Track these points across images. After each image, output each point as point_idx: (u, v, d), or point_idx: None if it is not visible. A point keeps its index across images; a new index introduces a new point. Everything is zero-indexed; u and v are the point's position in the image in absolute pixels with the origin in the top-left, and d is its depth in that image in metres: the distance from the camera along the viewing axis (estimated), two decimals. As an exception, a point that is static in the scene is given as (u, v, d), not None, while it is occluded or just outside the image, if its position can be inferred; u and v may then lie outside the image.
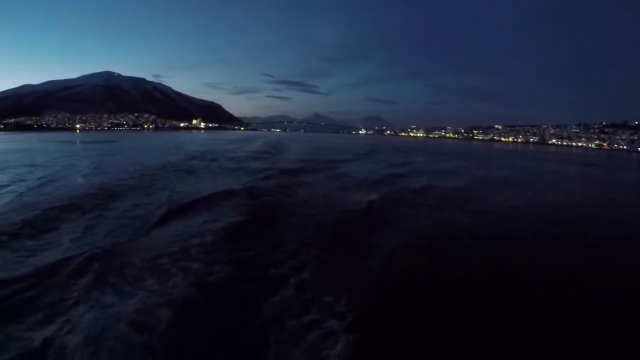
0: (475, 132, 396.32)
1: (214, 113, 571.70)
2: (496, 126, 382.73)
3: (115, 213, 18.54)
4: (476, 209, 23.14)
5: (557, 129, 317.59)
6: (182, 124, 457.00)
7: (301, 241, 14.65)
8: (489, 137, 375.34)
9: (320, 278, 11.24)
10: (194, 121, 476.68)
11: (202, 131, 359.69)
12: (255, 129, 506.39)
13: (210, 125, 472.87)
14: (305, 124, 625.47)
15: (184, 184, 28.52)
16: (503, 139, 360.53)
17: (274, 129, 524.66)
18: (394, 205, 22.78)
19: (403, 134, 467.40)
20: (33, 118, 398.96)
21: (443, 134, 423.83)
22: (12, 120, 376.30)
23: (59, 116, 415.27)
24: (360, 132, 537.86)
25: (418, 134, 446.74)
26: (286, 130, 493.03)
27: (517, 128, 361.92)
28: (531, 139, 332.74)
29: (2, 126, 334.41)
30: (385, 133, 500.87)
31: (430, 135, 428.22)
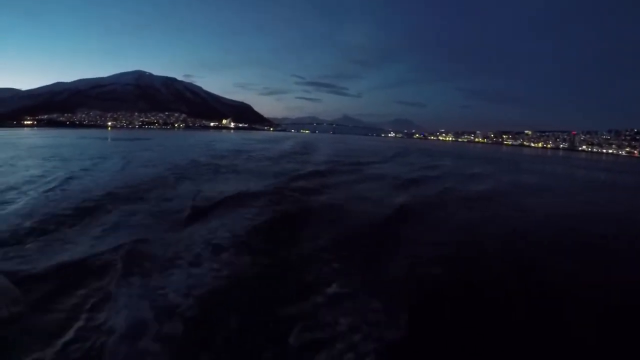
0: (504, 137, 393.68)
1: (243, 113, 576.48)
2: (526, 131, 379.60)
3: (144, 209, 18.74)
4: (505, 213, 23.17)
5: (588, 135, 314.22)
6: (212, 124, 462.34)
7: (331, 242, 14.45)
8: (519, 142, 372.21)
9: (350, 279, 11.03)
10: (224, 121, 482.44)
11: (232, 131, 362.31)
12: (284, 130, 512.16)
13: (240, 125, 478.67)
14: (334, 125, 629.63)
15: (212, 182, 28.48)
16: (532, 144, 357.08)
17: (303, 130, 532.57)
18: (422, 208, 22.61)
19: (432, 137, 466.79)
20: (65, 115, 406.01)
21: (472, 138, 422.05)
22: (45, 116, 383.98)
23: (91, 113, 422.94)
24: (389, 134, 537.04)
25: (447, 138, 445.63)
26: (315, 132, 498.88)
27: (547, 134, 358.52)
28: (561, 145, 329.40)
29: (35, 122, 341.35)
30: (414, 136, 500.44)
31: (460, 140, 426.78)
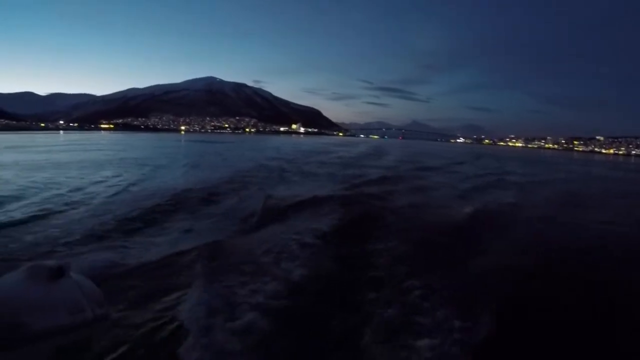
0: (575, 142, 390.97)
1: (312, 118, 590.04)
2: (597, 137, 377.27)
3: (215, 211, 18.33)
4: (585, 224, 20.34)
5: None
6: (282, 128, 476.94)
7: (406, 247, 13.05)
8: (589, 148, 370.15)
9: (424, 289, 9.82)
10: (294, 126, 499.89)
11: (302, 136, 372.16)
12: (353, 135, 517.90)
13: (309, 130, 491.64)
14: (403, 130, 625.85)
15: (287, 185, 27.93)
16: (604, 150, 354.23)
17: (371, 135, 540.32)
18: (496, 215, 20.40)
19: (501, 143, 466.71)
20: (140, 119, 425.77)
21: (542, 144, 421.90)
22: (121, 120, 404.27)
23: (164, 118, 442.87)
24: (458, 140, 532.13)
25: (517, 144, 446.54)
26: (384, 137, 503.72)
27: (619, 139, 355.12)
28: (633, 152, 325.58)
29: (112, 126, 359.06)
30: (484, 142, 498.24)
31: (529, 146, 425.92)
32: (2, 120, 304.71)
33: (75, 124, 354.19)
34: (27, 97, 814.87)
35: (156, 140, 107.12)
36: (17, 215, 15.89)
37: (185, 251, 11.55)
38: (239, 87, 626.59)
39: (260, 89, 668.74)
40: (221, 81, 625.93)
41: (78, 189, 21.66)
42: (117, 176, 27.57)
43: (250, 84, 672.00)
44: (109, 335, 6.79)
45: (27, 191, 21.18)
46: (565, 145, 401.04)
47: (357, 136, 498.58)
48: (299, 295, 8.99)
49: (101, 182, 24.67)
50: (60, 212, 17.08)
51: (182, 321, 7.72)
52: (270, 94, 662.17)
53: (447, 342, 7.36)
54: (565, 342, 8.02)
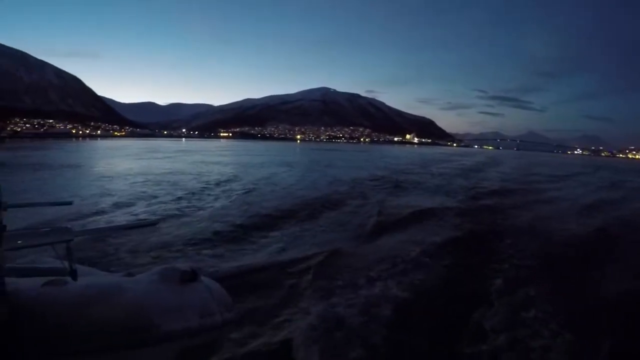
0: None
1: (426, 128, 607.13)
2: None
3: (328, 220, 18.99)
4: None
5: None
6: (395, 138, 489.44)
7: (522, 264, 13.19)
8: None
9: (542, 309, 9.58)
10: (408, 136, 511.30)
11: (415, 146, 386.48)
12: (467, 146, 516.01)
13: (422, 140, 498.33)
14: (518, 141, 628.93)
15: (402, 195, 28.33)
16: None
17: (485, 145, 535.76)
18: (617, 235, 19.05)
19: (620, 155, 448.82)
20: (256, 128, 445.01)
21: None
22: (238, 129, 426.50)
23: (280, 127, 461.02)
24: (575, 152, 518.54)
25: (637, 156, 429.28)
26: (499, 148, 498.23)
27: None
28: None
29: (230, 134, 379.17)
30: (602, 154, 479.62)
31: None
32: (127, 127, 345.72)
33: (196, 132, 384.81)
34: (149, 107, 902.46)
35: (282, 148, 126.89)
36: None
37: (305, 258, 12.42)
38: (353, 98, 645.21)
39: (373, 99, 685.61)
40: (335, 91, 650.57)
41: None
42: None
43: (363, 94, 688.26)
44: (235, 339, 7.41)
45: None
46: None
47: (471, 147, 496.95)
48: (415, 304, 9.60)
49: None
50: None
51: (305, 326, 8.27)
52: (383, 104, 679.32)
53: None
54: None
